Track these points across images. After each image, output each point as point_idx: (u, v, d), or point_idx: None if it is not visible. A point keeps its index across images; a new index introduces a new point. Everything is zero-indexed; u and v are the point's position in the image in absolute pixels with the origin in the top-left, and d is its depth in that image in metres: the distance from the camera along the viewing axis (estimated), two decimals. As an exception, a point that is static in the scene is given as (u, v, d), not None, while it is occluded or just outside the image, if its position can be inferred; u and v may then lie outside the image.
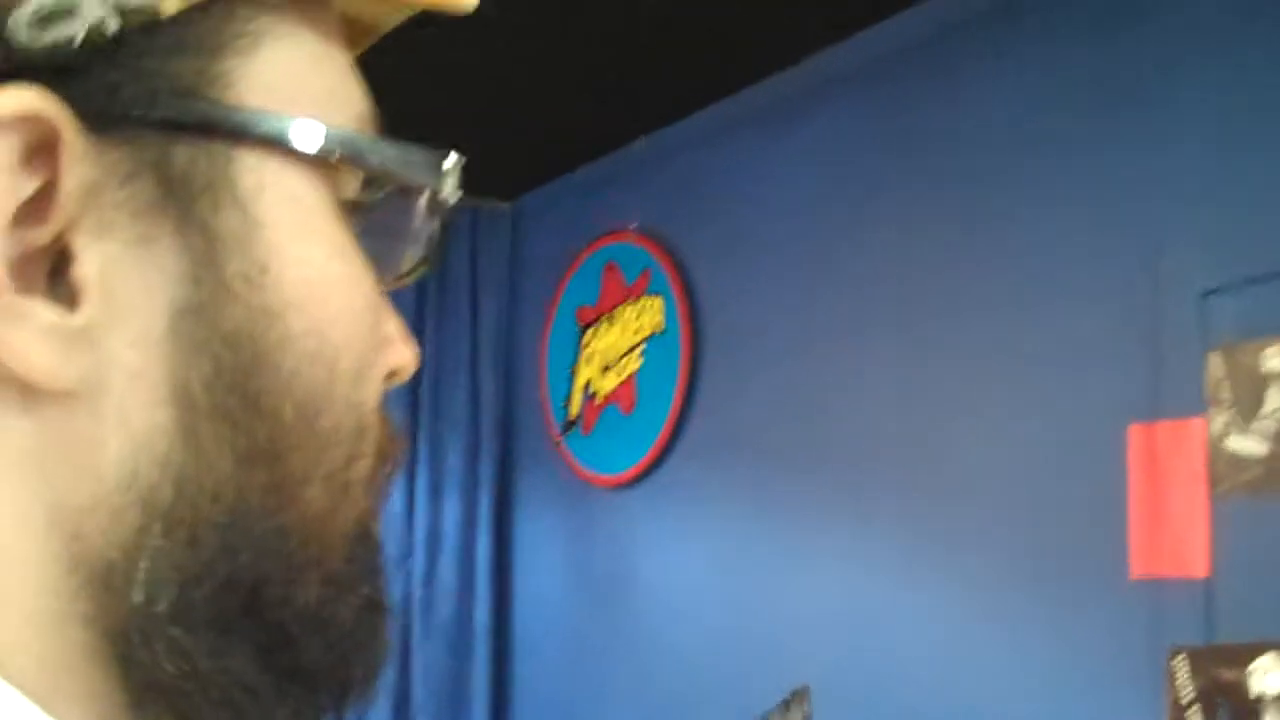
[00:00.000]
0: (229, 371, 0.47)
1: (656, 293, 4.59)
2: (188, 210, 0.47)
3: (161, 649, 0.45)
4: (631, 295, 4.72)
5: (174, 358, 0.46)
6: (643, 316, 4.65)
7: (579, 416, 4.91)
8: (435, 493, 5.10)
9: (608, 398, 4.77)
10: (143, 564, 0.45)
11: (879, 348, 3.79)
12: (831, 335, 3.94)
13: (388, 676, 4.86)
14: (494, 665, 5.09)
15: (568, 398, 4.98)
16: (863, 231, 3.90)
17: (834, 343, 3.93)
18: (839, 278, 3.95)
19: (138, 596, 0.45)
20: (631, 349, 4.69)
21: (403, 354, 0.58)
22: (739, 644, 4.12)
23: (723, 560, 4.27)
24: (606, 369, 4.79)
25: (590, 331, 4.91)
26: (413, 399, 5.10)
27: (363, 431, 0.52)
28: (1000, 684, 3.42)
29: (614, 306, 4.80)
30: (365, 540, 0.54)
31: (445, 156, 0.54)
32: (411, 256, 0.57)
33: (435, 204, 0.55)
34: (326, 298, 0.50)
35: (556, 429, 5.01)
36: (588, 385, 4.88)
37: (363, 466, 0.53)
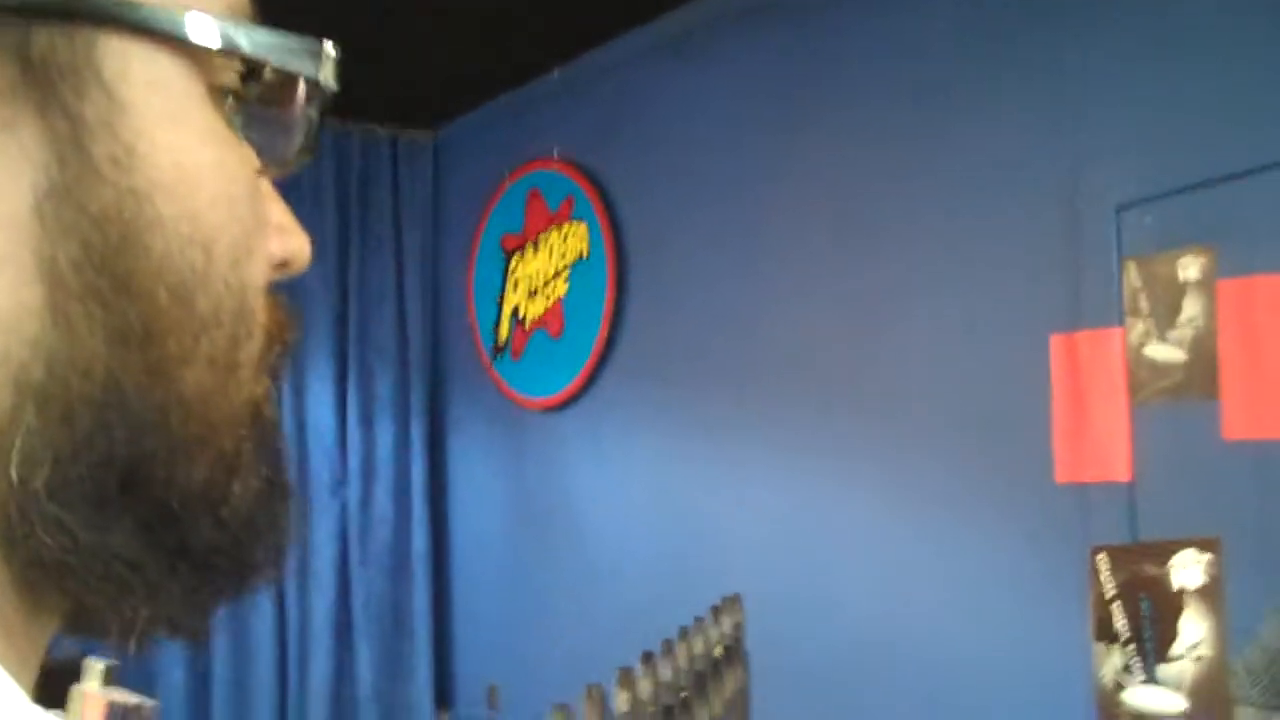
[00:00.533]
0: (98, 252, 0.47)
1: (580, 218, 4.63)
2: (50, 94, 0.47)
3: (40, 525, 0.46)
4: (555, 221, 4.75)
5: (41, 239, 0.46)
6: (567, 242, 4.69)
7: (508, 341, 4.95)
8: (367, 421, 5.13)
9: (536, 322, 4.82)
10: (17, 442, 0.45)
11: (805, 266, 3.86)
12: (757, 255, 4.00)
13: (328, 604, 4.94)
14: (433, 589, 5.16)
15: (496, 323, 5.02)
16: (784, 153, 3.95)
17: (760, 262, 3.99)
18: (763, 198, 4.00)
19: (14, 474, 0.45)
20: (557, 274, 4.73)
21: (293, 243, 0.58)
22: (673, 559, 4.21)
23: (655, 478, 4.35)
24: (533, 294, 4.83)
25: (516, 258, 4.94)
26: (340, 329, 5.11)
27: (245, 314, 0.53)
28: (930, 587, 3.53)
29: (538, 233, 4.83)
30: (259, 422, 0.55)
31: (321, 43, 0.54)
32: (293, 145, 0.56)
33: (313, 91, 0.55)
34: (198, 182, 0.50)
35: (486, 354, 5.06)
36: (516, 310, 4.92)
37: (250, 349, 0.54)
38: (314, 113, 0.56)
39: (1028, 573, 3.28)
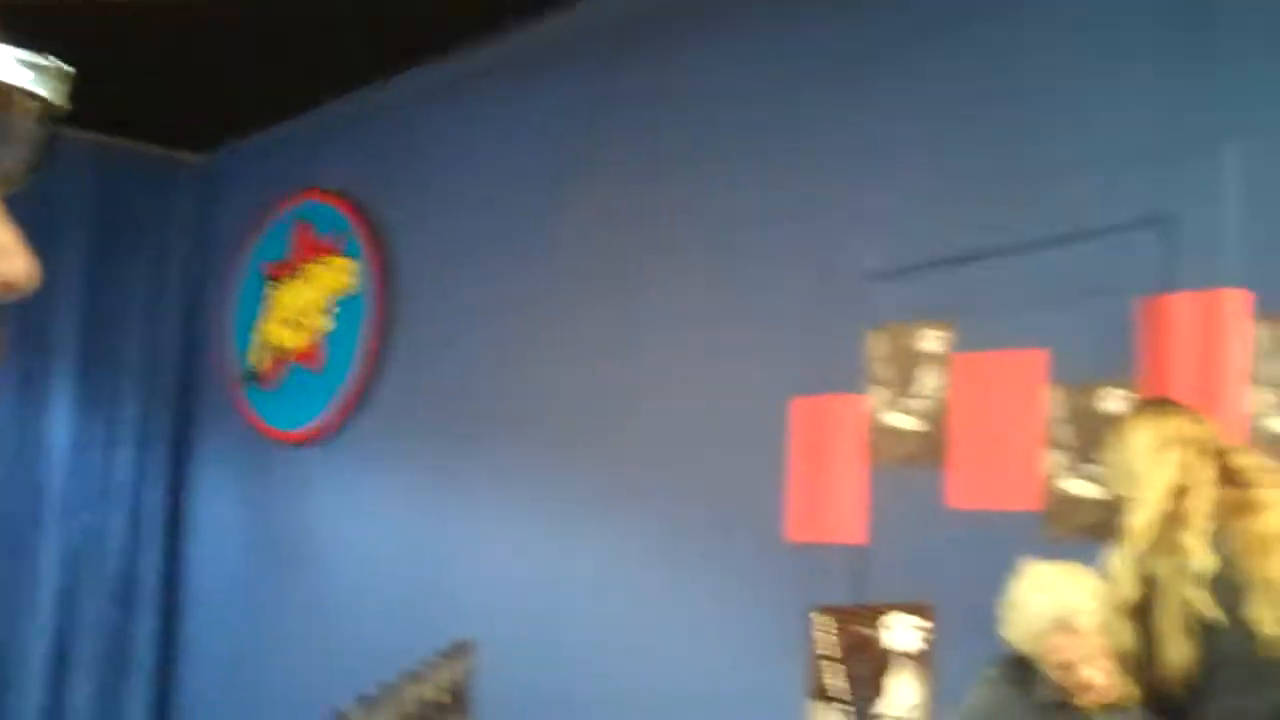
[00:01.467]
0: None
1: (350, 254, 4.56)
2: None
3: None
4: (322, 254, 4.66)
5: None
6: (334, 276, 4.61)
7: (262, 371, 4.84)
8: (109, 443, 4.94)
9: (295, 354, 4.71)
10: None
11: (570, 322, 3.86)
12: (526, 306, 3.99)
13: (47, 633, 4.72)
14: (162, 621, 4.97)
15: (250, 351, 4.90)
16: (562, 206, 3.95)
17: (527, 313, 3.98)
18: (537, 249, 3.99)
19: None
20: (320, 308, 4.64)
21: (15, 265, 0.55)
22: (413, 603, 4.14)
23: (401, 520, 4.28)
24: (295, 325, 4.73)
25: (277, 286, 4.84)
26: (87, 349, 4.91)
27: None
28: (660, 640, 3.54)
29: (304, 263, 4.73)
30: None
31: (49, 58, 0.52)
32: (20, 162, 0.54)
33: (42, 107, 0.53)
34: None
35: (238, 382, 4.93)
36: (273, 340, 4.81)
37: None
38: (43, 129, 0.53)
39: (755, 627, 3.31)
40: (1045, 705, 2.22)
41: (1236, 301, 2.47)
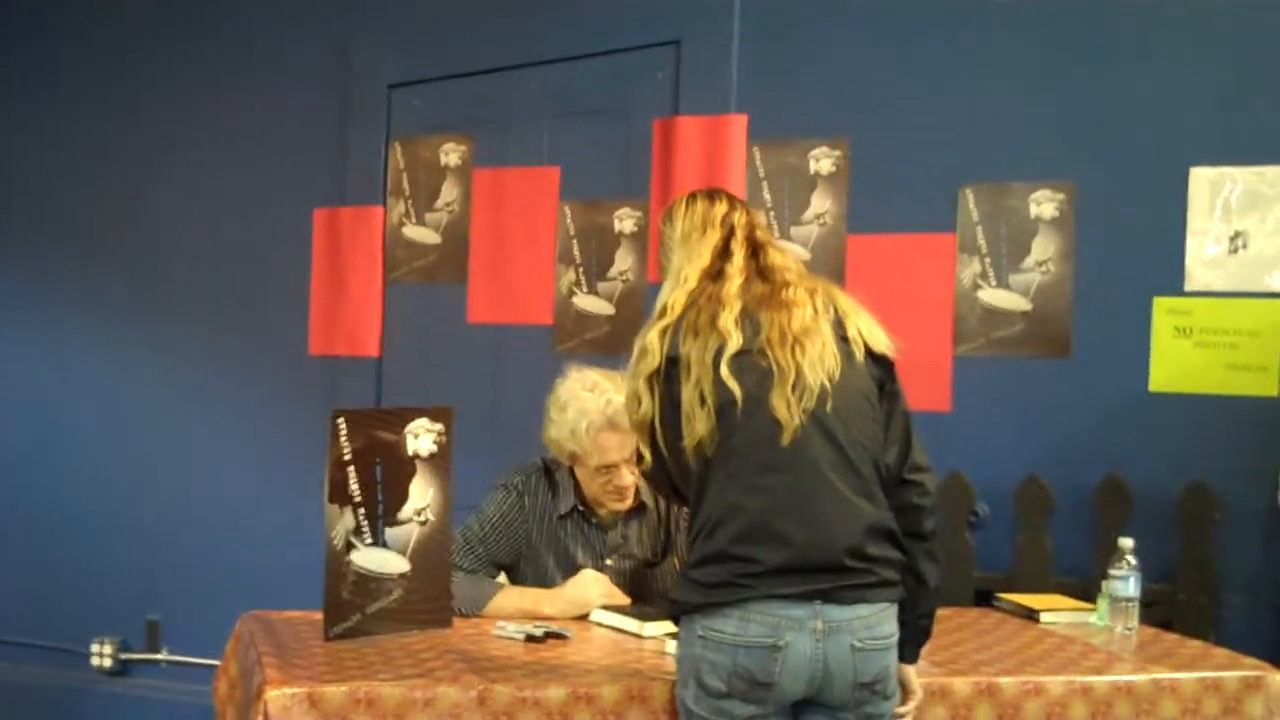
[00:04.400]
0: None
1: None
2: None
3: None
4: None
5: None
6: None
7: None
8: None
9: None
10: None
11: (68, 115, 3.68)
12: (24, 92, 3.77)
13: None
14: None
15: None
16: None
17: (23, 101, 3.76)
18: (25, 37, 3.77)
19: None
20: None
21: None
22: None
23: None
24: None
25: None
26: None
27: None
28: (179, 449, 3.51)
29: None
30: None
31: None
32: None
33: None
34: None
35: None
36: None
37: None
38: None
39: (280, 434, 3.34)
40: (563, 515, 2.33)
41: (736, 125, 2.63)
